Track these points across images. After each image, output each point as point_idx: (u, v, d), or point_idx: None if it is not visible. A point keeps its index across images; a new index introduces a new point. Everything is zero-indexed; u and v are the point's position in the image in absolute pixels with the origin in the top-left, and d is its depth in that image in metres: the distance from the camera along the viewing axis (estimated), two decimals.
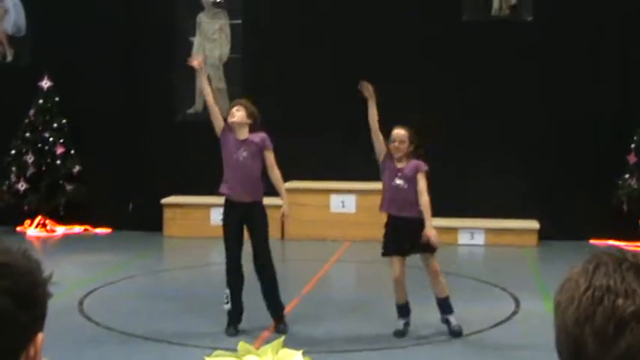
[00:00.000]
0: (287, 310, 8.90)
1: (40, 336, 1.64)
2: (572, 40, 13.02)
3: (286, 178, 13.17)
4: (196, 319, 8.84)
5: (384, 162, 8.19)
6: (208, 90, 8.51)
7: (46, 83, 13.90)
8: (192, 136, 13.17)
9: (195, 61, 8.66)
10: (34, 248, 12.73)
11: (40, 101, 13.92)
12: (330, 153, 13.34)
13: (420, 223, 8.02)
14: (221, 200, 8.64)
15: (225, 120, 8.40)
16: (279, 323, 8.42)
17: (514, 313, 9.26)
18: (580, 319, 1.40)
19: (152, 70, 13.96)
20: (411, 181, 8.08)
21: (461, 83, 13.21)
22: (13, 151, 13.88)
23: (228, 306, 8.35)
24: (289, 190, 13.29)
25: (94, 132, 13.93)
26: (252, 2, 13.99)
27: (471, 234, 13.17)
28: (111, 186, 13.93)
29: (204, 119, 14.00)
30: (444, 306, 8.27)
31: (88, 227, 14.17)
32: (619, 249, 1.47)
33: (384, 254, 8.22)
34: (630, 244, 12.32)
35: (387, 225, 8.25)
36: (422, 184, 8.09)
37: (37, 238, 13.66)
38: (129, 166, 13.98)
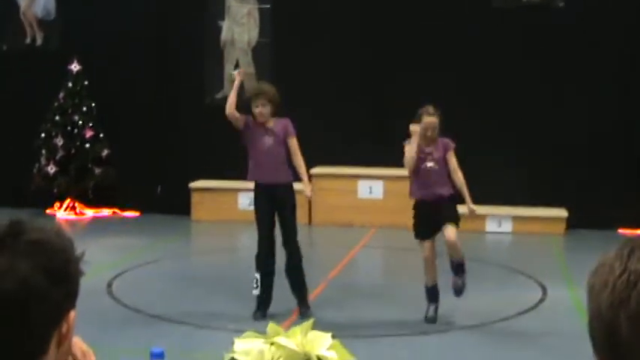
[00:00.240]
0: (313, 294, 8.93)
1: (72, 313, 1.65)
2: (606, 25, 12.89)
3: (314, 163, 13.29)
4: (224, 303, 8.88)
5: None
6: (233, 100, 8.41)
7: (75, 67, 13.95)
8: (221, 120, 13.01)
9: (239, 76, 8.67)
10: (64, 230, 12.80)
11: (70, 84, 13.97)
12: (358, 138, 13.32)
13: (448, 200, 8.06)
14: (249, 184, 8.66)
15: (245, 109, 8.40)
16: (303, 307, 8.44)
17: (541, 300, 9.24)
18: (614, 303, 1.39)
19: (181, 54, 13.98)
20: (442, 161, 8.11)
21: (491, 70, 13.13)
22: (42, 134, 13.95)
23: (257, 291, 8.37)
24: (316, 176, 13.38)
25: (123, 115, 13.98)
26: None
27: (499, 221, 13.12)
28: (139, 169, 13.98)
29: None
30: (459, 266, 8.25)
31: (116, 210, 14.24)
32: None
33: (417, 237, 8.23)
34: None
35: (416, 209, 8.25)
36: (454, 161, 8.17)
37: (67, 220, 13.74)
38: (157, 150, 14.03)
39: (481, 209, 12.79)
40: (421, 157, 8.13)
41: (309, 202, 13.35)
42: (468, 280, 8.28)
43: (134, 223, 13.67)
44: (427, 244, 8.15)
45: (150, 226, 13.27)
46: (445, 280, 8.48)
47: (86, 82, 14.00)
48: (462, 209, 8.27)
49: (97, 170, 14.00)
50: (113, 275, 9.95)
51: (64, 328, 1.64)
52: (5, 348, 1.55)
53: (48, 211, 14.01)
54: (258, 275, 8.37)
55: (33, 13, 14.61)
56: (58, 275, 1.62)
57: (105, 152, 14.04)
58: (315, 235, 13.08)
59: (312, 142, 12.58)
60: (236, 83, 8.57)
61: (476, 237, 12.54)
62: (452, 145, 8.20)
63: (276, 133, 8.34)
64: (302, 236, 11.98)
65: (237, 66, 14.05)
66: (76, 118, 13.95)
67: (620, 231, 12.53)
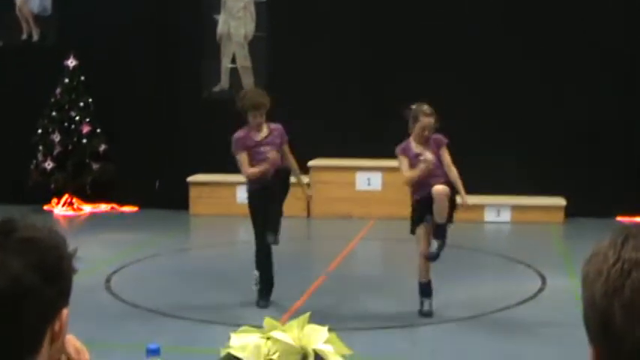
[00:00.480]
0: (313, 286, 8.94)
1: (65, 311, 1.65)
2: (604, 14, 12.87)
3: (312, 155, 13.29)
4: (222, 297, 8.88)
5: (408, 153, 8.13)
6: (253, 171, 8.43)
7: (71, 62, 13.93)
8: (218, 114, 13.15)
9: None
10: (62, 226, 12.81)
11: (66, 80, 13.95)
12: (356, 130, 13.31)
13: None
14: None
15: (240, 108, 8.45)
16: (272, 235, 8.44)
17: (540, 290, 9.24)
18: (608, 292, 1.39)
19: (177, 48, 13.96)
20: (435, 156, 8.07)
21: (491, 63, 13.11)
22: (39, 130, 13.93)
23: (257, 287, 8.47)
24: (315, 168, 13.39)
25: (120, 110, 13.96)
26: None
27: (497, 211, 13.12)
28: (137, 164, 13.97)
29: (230, 97, 14.02)
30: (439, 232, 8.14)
31: (114, 206, 14.23)
32: None
33: (413, 232, 8.20)
34: None
35: (414, 206, 8.21)
36: (447, 157, 8.12)
37: (64, 216, 13.74)
38: (155, 145, 14.02)
39: (480, 199, 12.87)
40: (413, 163, 8.09)
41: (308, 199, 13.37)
42: (467, 269, 8.30)
43: (132, 219, 13.66)
44: (423, 240, 8.11)
45: (148, 221, 13.27)
46: (445, 272, 8.48)
47: (83, 78, 13.98)
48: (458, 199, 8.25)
49: (95, 166, 13.99)
50: (111, 271, 9.95)
51: (56, 326, 1.63)
52: None
53: (45, 207, 14.00)
54: (257, 273, 8.46)
55: (29, 9, 14.58)
56: (50, 273, 1.61)
57: (102, 147, 14.03)
58: (313, 227, 13.09)
59: (310, 135, 12.63)
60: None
61: (474, 227, 12.55)
62: (444, 140, 8.15)
63: (272, 140, 8.42)
64: (300, 229, 12.00)
65: (233, 60, 14.05)
66: (73, 113, 13.93)
67: (619, 219, 12.53)
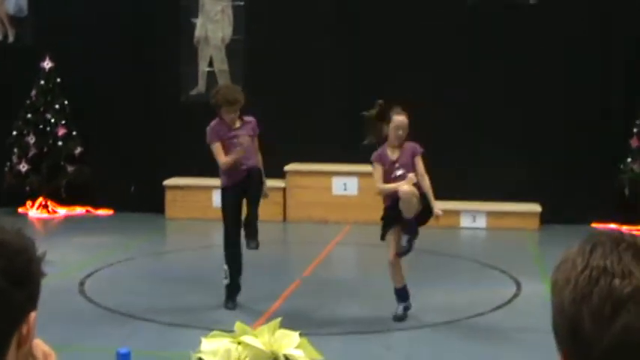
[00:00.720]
0: (288, 291, 8.94)
1: (33, 315, 1.63)
2: (576, 24, 12.95)
3: (288, 160, 13.28)
4: (197, 301, 8.86)
5: (383, 161, 8.14)
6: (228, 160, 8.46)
7: (47, 64, 13.87)
8: (195, 118, 13.09)
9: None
10: (36, 229, 12.74)
11: (42, 82, 13.88)
12: (332, 135, 13.31)
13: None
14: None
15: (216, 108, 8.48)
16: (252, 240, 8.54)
17: (515, 295, 9.27)
18: (577, 299, 1.39)
19: (155, 51, 13.92)
20: (409, 165, 8.06)
21: (466, 68, 13.15)
22: (14, 132, 13.86)
23: (227, 281, 8.55)
24: (291, 173, 13.38)
25: (96, 113, 13.89)
26: None
27: (473, 217, 13.16)
28: (113, 167, 13.90)
29: (206, 100, 13.98)
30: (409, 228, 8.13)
31: (89, 209, 14.16)
32: (617, 230, 1.46)
33: (383, 238, 8.21)
34: (632, 228, 12.31)
35: (386, 212, 8.23)
36: (421, 166, 8.10)
37: (39, 219, 13.66)
38: (131, 148, 13.96)
39: (455, 205, 12.91)
40: (390, 168, 8.10)
41: (284, 199, 13.38)
42: (443, 275, 8.32)
43: (107, 222, 13.60)
44: (392, 246, 8.13)
45: (123, 224, 13.21)
46: (421, 276, 8.50)
47: (59, 80, 13.92)
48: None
49: (70, 168, 13.92)
50: (86, 274, 9.91)
51: (24, 330, 1.62)
52: None
53: (20, 209, 13.92)
54: (226, 267, 8.50)
55: (5, 10, 14.50)
56: (18, 277, 1.60)
57: (78, 150, 13.96)
58: (289, 231, 13.08)
59: (286, 139, 12.63)
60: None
61: (450, 232, 12.58)
62: (419, 149, 8.14)
63: (245, 132, 8.46)
64: (276, 233, 11.99)
65: (211, 63, 14.03)
66: (49, 115, 13.87)
67: (594, 225, 12.59)
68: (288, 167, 13.43)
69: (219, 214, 8.74)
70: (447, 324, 8.21)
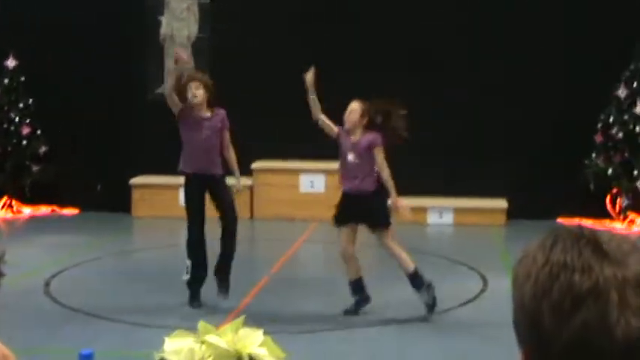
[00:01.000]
0: (255, 289, 8.93)
1: None
2: (540, 23, 13.03)
3: (255, 157, 13.26)
4: (163, 300, 8.82)
5: (340, 137, 8.22)
6: (172, 84, 8.53)
7: (11, 62, 13.76)
8: (161, 116, 12.98)
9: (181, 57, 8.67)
10: (0, 229, 12.64)
11: (6, 81, 13.77)
12: (299, 132, 13.27)
13: (370, 199, 8.03)
14: None
15: (181, 96, 8.45)
16: (224, 290, 8.56)
17: (482, 291, 9.32)
18: (537, 294, 1.39)
19: (120, 49, 13.83)
20: (364, 156, 8.08)
21: (433, 62, 13.19)
22: None
23: (187, 276, 8.48)
24: (258, 170, 13.36)
25: (61, 112, 13.78)
26: None
27: (440, 213, 13.20)
28: (78, 166, 13.81)
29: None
30: (413, 281, 8.20)
31: (55, 208, 14.07)
32: (578, 225, 1.47)
33: (335, 224, 8.26)
34: (597, 222, 12.42)
35: (340, 198, 8.30)
36: (379, 159, 8.12)
37: (3, 219, 13.55)
38: (96, 146, 13.88)
39: (422, 201, 12.95)
40: (344, 148, 8.16)
41: (251, 197, 13.36)
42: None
43: (73, 221, 13.51)
44: (344, 237, 8.15)
45: (90, 223, 13.13)
46: (387, 271, 8.50)
47: (23, 78, 13.81)
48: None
49: (35, 167, 13.82)
50: (51, 274, 9.83)
51: None
52: None
53: None
54: (189, 262, 8.44)
55: None
56: None
57: (43, 149, 13.86)
58: (256, 229, 13.07)
59: (253, 137, 12.59)
60: (173, 65, 8.62)
61: (417, 229, 12.61)
62: (378, 142, 8.13)
63: (213, 124, 8.43)
64: (244, 231, 11.95)
65: (176, 62, 13.94)
66: (13, 115, 13.76)
67: (559, 220, 12.67)
68: (255, 165, 13.41)
69: (185, 212, 8.72)
70: (414, 320, 8.22)
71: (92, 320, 8.14)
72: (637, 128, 12.63)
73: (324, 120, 8.36)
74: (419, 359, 7.29)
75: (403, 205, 8.17)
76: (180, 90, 8.50)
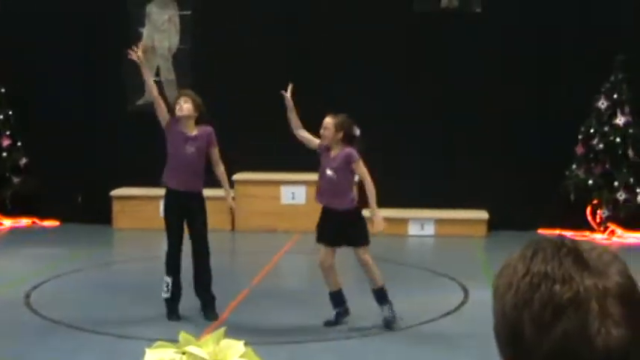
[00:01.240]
0: (236, 301, 8.91)
1: None
2: (520, 32, 13.09)
3: (236, 169, 13.24)
4: (145, 312, 8.79)
5: (321, 151, 8.26)
6: (151, 83, 8.60)
7: None
8: (142, 128, 13.05)
9: (134, 54, 8.67)
10: None
11: None
12: (280, 144, 13.28)
13: (348, 215, 8.05)
14: None
15: (171, 112, 8.45)
16: (210, 311, 8.52)
17: (463, 302, 9.32)
18: (518, 304, 1.40)
19: (101, 61, 13.80)
20: (341, 171, 8.09)
21: (410, 74, 13.23)
22: None
23: (168, 294, 8.49)
24: (240, 182, 13.35)
25: (42, 123, 13.74)
26: None
27: (421, 224, 13.22)
28: (59, 178, 13.76)
29: (153, 110, 13.87)
30: (378, 296, 8.24)
31: (35, 220, 14.00)
32: (559, 236, 1.47)
33: (317, 241, 8.29)
34: (578, 233, 12.46)
35: (321, 213, 8.31)
36: (361, 171, 8.13)
37: None
38: (77, 158, 13.82)
39: (403, 213, 12.97)
40: (323, 163, 8.18)
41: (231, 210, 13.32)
42: (391, 282, 8.31)
43: (54, 233, 13.45)
44: (322, 250, 8.17)
45: (70, 235, 13.08)
46: (366, 283, 8.50)
47: (3, 90, 13.76)
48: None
49: (16, 179, 13.76)
50: (31, 286, 9.78)
51: None
52: None
53: None
54: (169, 279, 8.44)
55: None
56: None
57: (23, 161, 13.81)
58: (238, 241, 13.04)
59: (234, 149, 12.56)
60: (141, 64, 8.57)
61: (398, 240, 12.63)
62: (355, 156, 8.09)
63: (199, 142, 8.43)
64: (225, 242, 11.94)
65: (157, 73, 13.95)
66: None
67: (540, 231, 12.71)
68: (236, 176, 13.39)
69: None
70: (396, 331, 8.22)
71: (74, 332, 8.10)
72: (617, 139, 12.69)
73: (302, 135, 8.41)
74: None
75: (379, 219, 8.15)
76: (170, 105, 8.52)
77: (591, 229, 12.85)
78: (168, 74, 13.99)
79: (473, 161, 13.11)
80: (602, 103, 12.76)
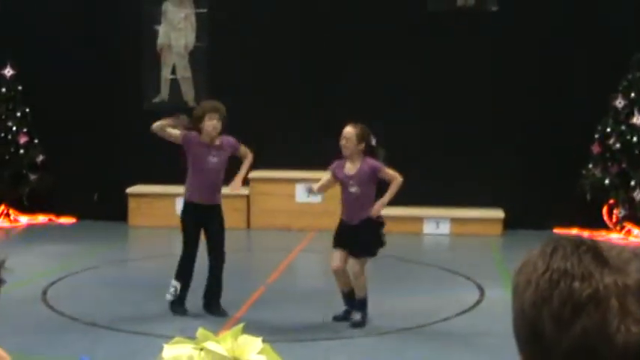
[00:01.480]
0: (252, 298, 8.92)
1: None
2: (536, 30, 13.06)
3: (252, 166, 13.22)
4: (160, 308, 8.80)
5: (336, 172, 8.20)
6: (176, 133, 8.44)
7: (9, 72, 13.76)
8: None
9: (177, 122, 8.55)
10: None
11: (3, 90, 13.78)
12: (295, 142, 13.31)
13: (365, 228, 8.04)
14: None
15: (196, 125, 8.40)
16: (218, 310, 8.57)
17: (478, 301, 9.31)
18: (537, 302, 1.39)
19: (118, 59, 13.85)
20: (365, 185, 8.06)
21: (425, 73, 13.22)
22: None
23: (173, 298, 8.51)
24: (255, 180, 13.35)
25: (59, 121, 13.81)
26: None
27: (437, 223, 13.20)
28: (75, 175, 13.82)
29: (169, 108, 13.93)
30: (360, 304, 8.21)
31: (52, 217, 14.06)
32: (577, 234, 1.47)
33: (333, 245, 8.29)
34: (594, 232, 12.42)
35: (339, 223, 8.28)
36: (390, 176, 8.10)
37: (1, 228, 13.53)
38: (94, 156, 13.88)
39: (419, 211, 12.96)
40: (345, 182, 8.13)
41: (248, 206, 13.36)
42: (406, 281, 8.34)
43: (70, 230, 13.51)
44: (336, 255, 8.16)
45: (86, 232, 13.13)
46: (382, 282, 8.51)
47: (20, 87, 13.82)
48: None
49: (32, 176, 13.82)
50: (48, 283, 9.82)
51: None
52: None
53: None
54: (178, 285, 8.44)
55: None
56: None
57: (40, 158, 13.87)
58: (253, 239, 13.06)
59: (250, 146, 12.57)
60: (173, 130, 8.49)
61: (414, 239, 12.62)
62: (379, 167, 8.08)
63: (222, 152, 8.42)
64: (240, 240, 11.95)
65: (174, 71, 13.98)
66: (10, 123, 13.76)
67: (555, 230, 12.68)
68: (251, 174, 13.39)
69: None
70: (411, 330, 8.21)
71: (90, 329, 8.13)
72: (634, 139, 12.64)
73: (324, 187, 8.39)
74: None
75: (379, 207, 8.12)
76: (197, 117, 8.42)
77: (607, 229, 12.81)
78: (185, 72, 14.02)
79: (488, 160, 13.10)
80: (619, 102, 12.71)
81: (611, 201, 12.77)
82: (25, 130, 13.82)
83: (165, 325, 8.10)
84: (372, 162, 8.08)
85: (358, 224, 8.04)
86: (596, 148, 12.84)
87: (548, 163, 13.02)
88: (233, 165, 8.74)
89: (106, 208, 13.74)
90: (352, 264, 8.13)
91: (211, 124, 8.32)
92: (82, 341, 7.70)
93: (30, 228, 13.64)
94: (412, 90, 13.20)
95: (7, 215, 13.86)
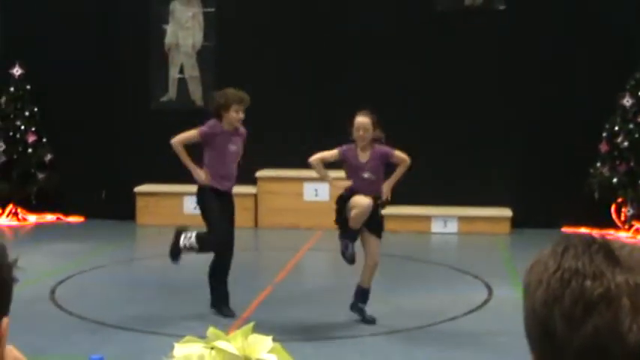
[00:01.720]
0: (260, 297, 8.93)
1: (5, 320, 1.62)
2: (544, 29, 13.05)
3: (260, 166, 13.27)
4: (168, 307, 8.83)
5: (347, 158, 8.21)
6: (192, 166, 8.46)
7: (17, 71, 13.79)
8: (165, 124, 13.05)
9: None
10: (6, 237, 12.65)
11: (12, 89, 13.81)
12: (303, 141, 13.29)
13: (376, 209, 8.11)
14: (194, 188, 8.69)
15: (218, 112, 8.41)
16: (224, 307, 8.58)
17: (487, 300, 9.30)
18: (549, 300, 1.39)
19: (125, 58, 13.88)
20: (376, 169, 8.12)
21: (433, 72, 13.22)
22: None
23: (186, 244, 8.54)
24: (262, 179, 13.37)
25: (67, 120, 13.83)
26: None
27: (444, 222, 13.20)
28: (83, 174, 13.85)
29: (177, 107, 13.95)
30: (363, 295, 8.27)
31: (60, 216, 14.09)
32: (589, 233, 1.47)
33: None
34: (602, 231, 12.39)
35: (338, 198, 8.32)
36: (401, 158, 8.19)
37: (9, 227, 13.56)
38: (101, 155, 13.91)
39: (427, 210, 12.96)
40: (358, 168, 8.15)
41: (255, 205, 13.37)
42: (415, 280, 8.34)
43: (78, 229, 13.53)
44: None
45: (94, 231, 13.15)
46: (390, 280, 8.51)
47: (29, 87, 13.85)
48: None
49: (41, 175, 13.85)
50: (56, 282, 9.84)
51: None
52: None
53: None
54: (195, 243, 8.50)
55: None
56: None
57: (48, 157, 13.90)
58: (261, 238, 13.06)
59: (257, 145, 12.60)
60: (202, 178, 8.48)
61: (422, 237, 12.62)
62: (390, 151, 8.18)
63: (239, 137, 8.45)
64: (248, 239, 11.95)
65: (181, 70, 13.99)
66: (19, 122, 13.79)
67: (564, 229, 12.67)
68: (259, 173, 13.42)
69: (191, 220, 8.74)
70: (419, 329, 8.22)
71: (99, 327, 8.15)
72: None
73: (321, 160, 8.38)
74: None
75: (388, 192, 8.20)
76: (221, 105, 8.40)
77: (616, 228, 12.79)
78: (193, 71, 14.03)
79: (496, 159, 13.09)
80: (627, 101, 12.69)
81: (620, 199, 12.76)
82: (33, 129, 13.85)
83: (172, 325, 8.11)
84: (381, 148, 8.18)
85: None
86: (604, 147, 12.82)
87: (557, 161, 13.01)
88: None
89: (113, 207, 13.76)
90: (374, 248, 8.10)
91: (237, 116, 8.37)
92: (91, 340, 7.71)
93: (38, 227, 13.67)
94: (421, 88, 13.19)
95: (16, 214, 13.89)
